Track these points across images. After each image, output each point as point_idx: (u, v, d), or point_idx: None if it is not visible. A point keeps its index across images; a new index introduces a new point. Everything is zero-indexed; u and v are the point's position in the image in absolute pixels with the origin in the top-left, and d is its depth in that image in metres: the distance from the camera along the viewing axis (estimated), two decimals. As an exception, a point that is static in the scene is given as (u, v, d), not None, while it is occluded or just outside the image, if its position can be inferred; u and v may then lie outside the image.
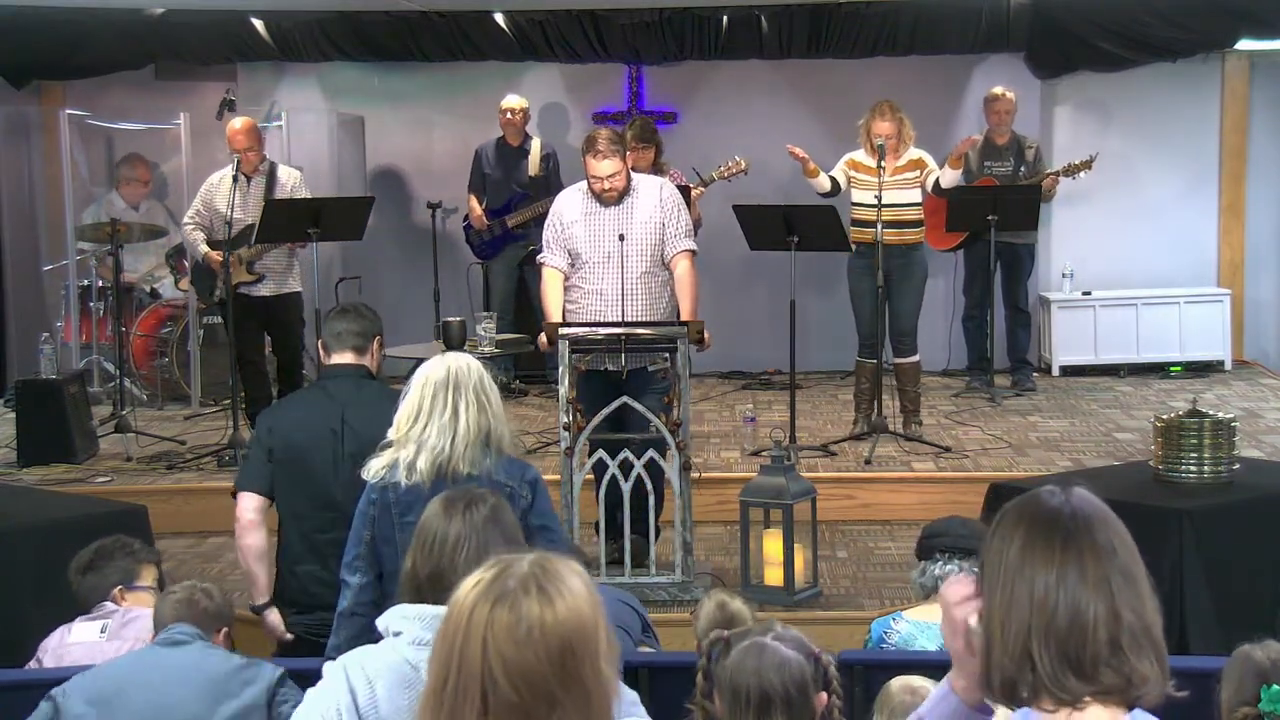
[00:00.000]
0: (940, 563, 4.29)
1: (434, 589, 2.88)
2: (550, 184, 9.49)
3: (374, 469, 4.00)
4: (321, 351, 4.96)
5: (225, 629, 3.95)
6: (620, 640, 4.29)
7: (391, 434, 4.00)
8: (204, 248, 8.31)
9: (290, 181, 8.42)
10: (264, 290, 8.31)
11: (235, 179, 8.07)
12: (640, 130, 9.04)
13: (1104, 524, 2.04)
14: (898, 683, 3.18)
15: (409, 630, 2.79)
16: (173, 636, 3.75)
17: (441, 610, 2.74)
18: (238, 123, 8.34)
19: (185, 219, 8.52)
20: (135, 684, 3.61)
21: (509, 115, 9.84)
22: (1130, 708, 1.99)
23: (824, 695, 2.65)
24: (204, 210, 8.36)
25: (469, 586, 2.00)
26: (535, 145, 9.90)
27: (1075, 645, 1.96)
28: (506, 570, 2.00)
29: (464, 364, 3.98)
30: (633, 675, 4.10)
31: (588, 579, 2.03)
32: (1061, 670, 1.96)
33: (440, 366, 3.97)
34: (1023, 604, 1.99)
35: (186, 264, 9.25)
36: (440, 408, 3.92)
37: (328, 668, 2.82)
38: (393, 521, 4.00)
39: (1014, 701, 2.01)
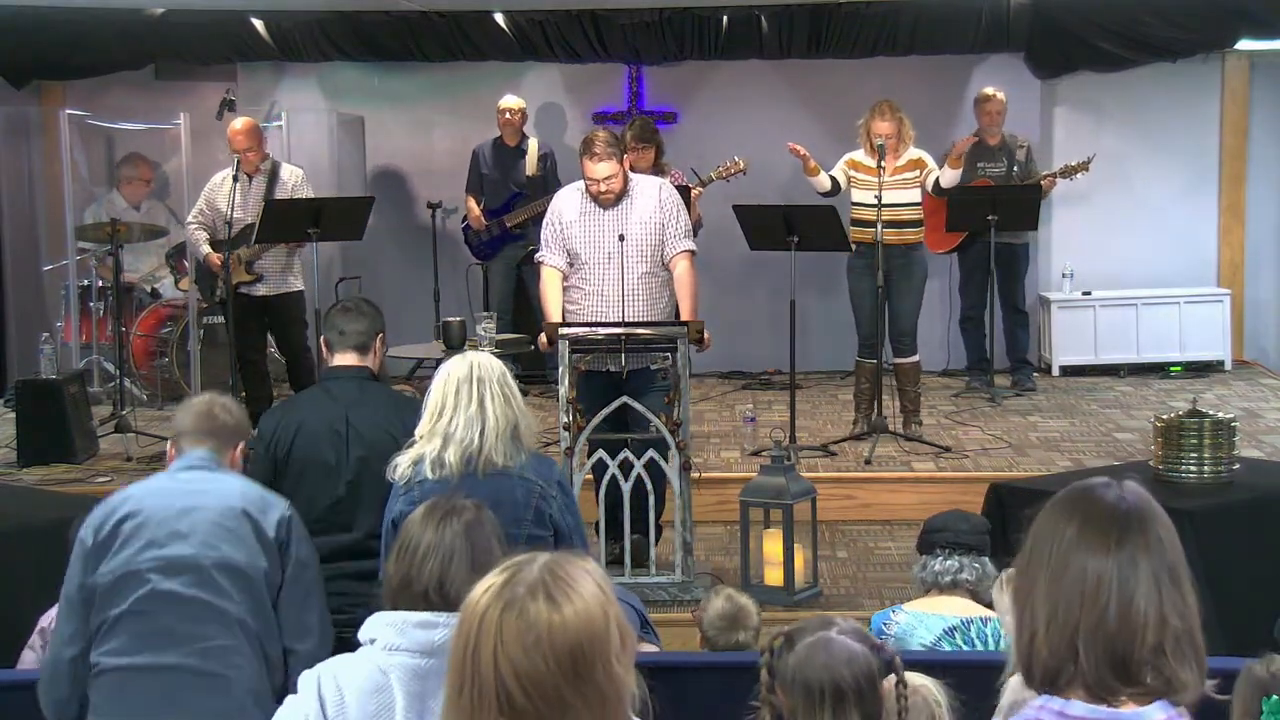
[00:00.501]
0: (940, 558, 4.30)
1: (405, 595, 2.88)
2: (548, 184, 9.49)
3: (401, 469, 3.97)
4: (324, 349, 4.93)
5: (242, 444, 3.96)
6: None
7: (416, 433, 3.99)
8: (205, 248, 8.35)
9: (292, 180, 8.43)
10: (263, 290, 8.33)
11: (235, 178, 8.08)
12: (640, 130, 9.04)
13: (1156, 519, 2.03)
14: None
15: (383, 636, 2.80)
16: (190, 462, 3.80)
17: (416, 616, 2.78)
18: (238, 123, 8.36)
19: (189, 219, 8.55)
20: (149, 509, 3.65)
21: (507, 115, 9.84)
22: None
23: (890, 682, 2.66)
24: (207, 210, 8.39)
25: (480, 591, 2.00)
26: (532, 145, 9.90)
27: (1123, 646, 1.95)
28: (517, 575, 1.99)
29: (485, 360, 4.00)
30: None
31: (601, 578, 2.02)
32: (1106, 670, 1.95)
33: (462, 363, 3.98)
34: (1073, 596, 1.97)
35: (186, 264, 9.25)
36: (465, 401, 3.92)
37: (302, 678, 2.82)
38: None
39: (1054, 690, 2.00)
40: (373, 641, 2.81)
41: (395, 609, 2.86)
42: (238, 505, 3.68)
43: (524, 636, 1.93)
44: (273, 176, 8.38)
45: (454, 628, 2.61)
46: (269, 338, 8.65)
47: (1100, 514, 2.02)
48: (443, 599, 2.83)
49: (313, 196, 8.47)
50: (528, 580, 1.98)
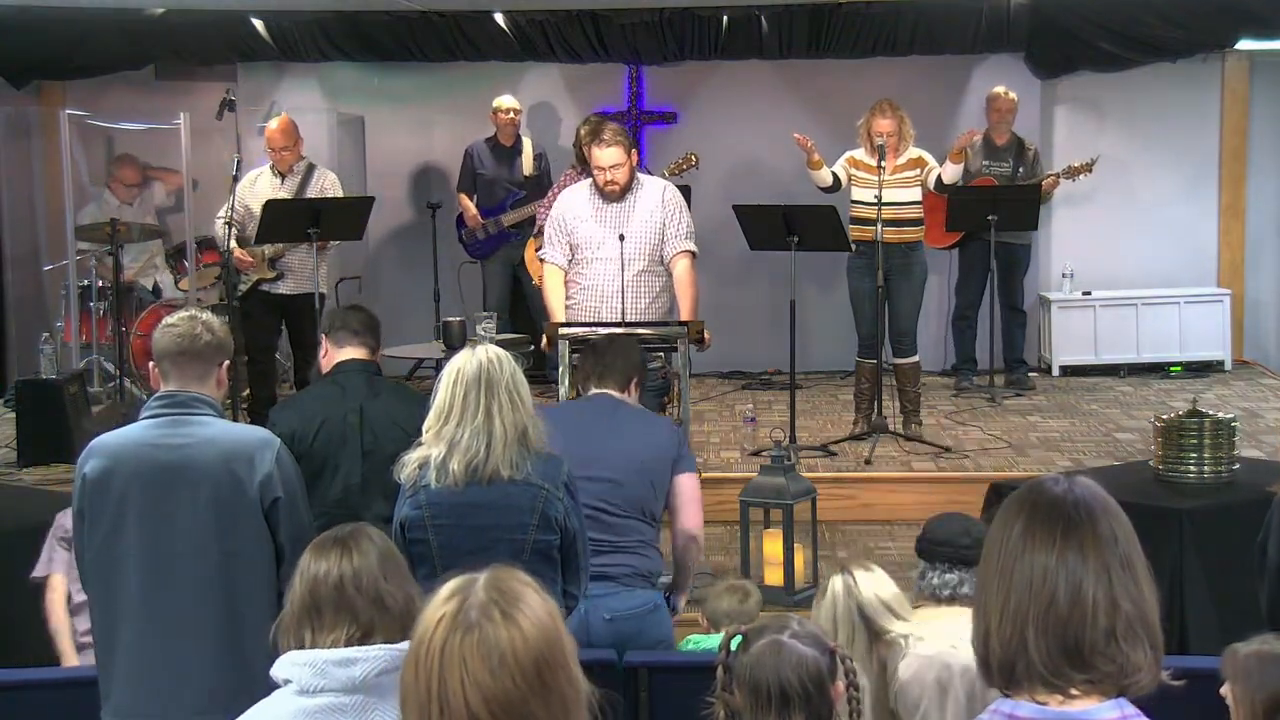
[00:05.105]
0: (940, 570, 4.29)
1: (313, 632, 2.76)
2: (543, 184, 9.51)
3: (408, 470, 3.89)
4: (327, 345, 4.87)
5: (226, 362, 3.86)
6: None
7: (423, 431, 3.89)
8: (231, 243, 8.40)
9: (323, 181, 8.50)
10: (283, 288, 8.40)
11: (282, 176, 8.16)
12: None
13: (1105, 513, 2.04)
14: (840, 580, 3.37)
15: (299, 678, 2.67)
16: (180, 400, 3.74)
17: (334, 655, 2.66)
18: (273, 123, 8.59)
19: (220, 215, 8.54)
20: (147, 461, 3.69)
21: (509, 115, 9.85)
22: (1119, 695, 1.99)
23: (840, 685, 2.69)
24: (239, 207, 8.41)
25: (432, 622, 2.00)
26: (527, 145, 9.94)
27: (1074, 632, 1.96)
28: (466, 600, 2.00)
29: (495, 358, 3.85)
30: (633, 674, 4.11)
31: (538, 586, 2.05)
32: (1058, 657, 1.96)
33: (472, 362, 3.84)
34: (1021, 589, 1.99)
35: (186, 264, 9.26)
36: (472, 410, 3.79)
37: None
38: (425, 524, 3.88)
39: (1011, 686, 2.01)
40: (287, 682, 2.69)
41: (300, 645, 2.74)
42: (236, 441, 3.75)
43: (489, 659, 1.94)
44: (306, 177, 8.43)
45: (384, 661, 2.58)
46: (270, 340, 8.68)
47: (1045, 510, 2.03)
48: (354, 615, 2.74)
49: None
50: (478, 603, 1.99)
